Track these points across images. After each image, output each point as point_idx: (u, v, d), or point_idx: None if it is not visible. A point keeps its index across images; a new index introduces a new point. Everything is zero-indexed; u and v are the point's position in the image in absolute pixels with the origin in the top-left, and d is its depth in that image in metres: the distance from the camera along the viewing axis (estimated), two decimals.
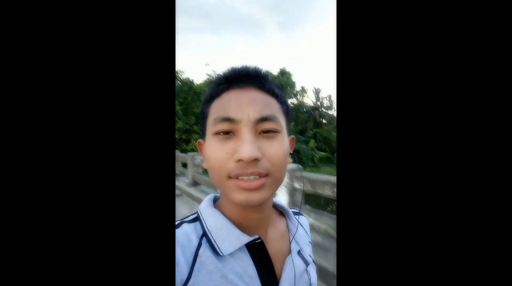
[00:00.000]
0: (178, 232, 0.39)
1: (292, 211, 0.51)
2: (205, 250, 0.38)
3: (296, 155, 0.49)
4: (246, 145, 0.34)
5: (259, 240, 0.40)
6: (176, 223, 0.41)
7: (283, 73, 21.25)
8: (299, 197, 2.69)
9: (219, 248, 0.38)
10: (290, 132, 0.42)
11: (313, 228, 2.35)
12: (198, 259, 0.37)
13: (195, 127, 14.00)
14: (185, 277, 0.35)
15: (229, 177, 0.36)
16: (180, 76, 14.49)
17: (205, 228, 0.40)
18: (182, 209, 4.34)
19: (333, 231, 2.28)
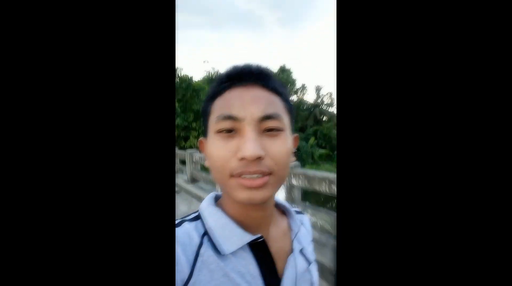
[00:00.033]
0: (179, 231, 0.38)
1: (294, 210, 0.51)
2: (206, 249, 0.37)
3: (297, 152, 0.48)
4: (249, 144, 0.34)
5: (261, 239, 0.40)
6: (177, 222, 0.40)
7: (283, 70, 21.20)
8: (296, 194, 2.68)
9: (220, 247, 0.37)
10: (293, 130, 0.42)
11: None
12: (199, 258, 0.36)
13: (194, 124, 14.00)
14: (186, 276, 0.35)
15: (232, 176, 0.35)
16: (179, 73, 14.44)
17: (207, 226, 0.40)
18: (180, 206, 4.34)
19: (329, 227, 2.28)
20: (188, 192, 4.85)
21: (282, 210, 0.50)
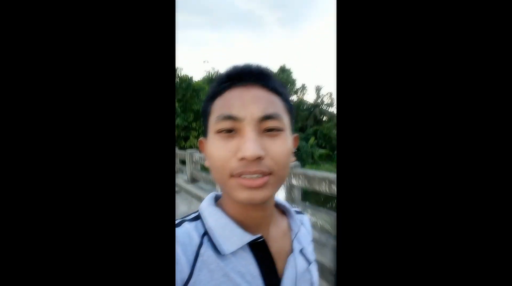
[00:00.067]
0: (179, 231, 0.38)
1: (294, 210, 0.51)
2: (206, 249, 0.37)
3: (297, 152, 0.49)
4: (250, 144, 0.34)
5: (262, 239, 0.40)
6: (177, 222, 0.40)
7: (283, 70, 21.19)
8: (296, 194, 2.68)
9: (221, 247, 0.37)
10: (293, 130, 0.42)
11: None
12: (199, 258, 0.36)
13: (194, 124, 13.98)
14: (186, 276, 0.35)
15: (232, 176, 0.35)
16: (179, 73, 14.42)
17: (207, 226, 0.40)
18: (180, 206, 4.34)
19: (329, 227, 2.28)
20: (188, 192, 4.85)
21: (282, 210, 0.50)
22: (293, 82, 21.83)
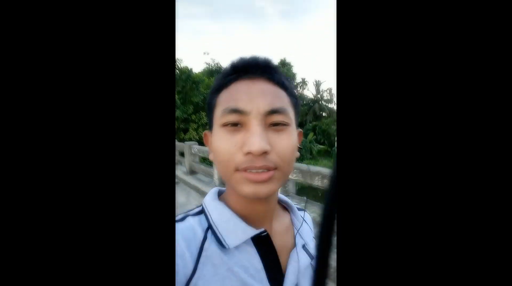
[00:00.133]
0: (183, 225, 0.38)
1: (297, 208, 0.51)
2: (210, 244, 0.37)
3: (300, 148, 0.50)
4: (256, 138, 0.33)
5: (265, 233, 0.40)
6: (181, 216, 0.40)
7: (284, 64, 21.04)
8: (291, 187, 2.72)
9: (225, 241, 0.37)
10: (297, 126, 0.41)
11: None
12: (203, 253, 0.36)
13: (193, 117, 13.92)
14: (190, 271, 0.35)
15: (237, 170, 0.35)
16: (179, 65, 14.27)
17: (211, 221, 0.39)
18: (179, 197, 4.38)
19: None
20: (186, 184, 4.88)
21: (284, 206, 0.50)
22: (293, 76, 21.73)
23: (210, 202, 0.42)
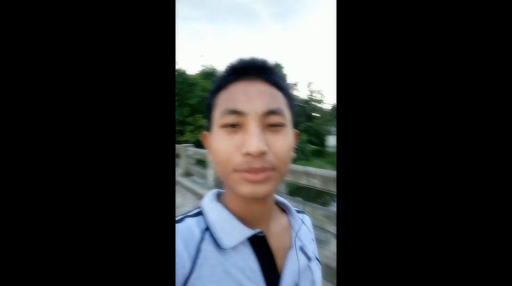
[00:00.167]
0: (181, 226, 0.39)
1: (295, 210, 0.51)
2: (207, 244, 0.38)
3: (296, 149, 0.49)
4: (254, 139, 0.34)
5: (261, 234, 0.40)
6: (180, 217, 0.41)
7: (277, 66, 21.07)
8: (282, 188, 2.86)
9: (221, 242, 0.38)
10: (294, 126, 0.42)
11: None
12: (200, 254, 0.37)
13: (189, 119, 13.86)
14: (187, 272, 0.35)
15: (235, 170, 0.36)
16: None
17: (208, 222, 0.40)
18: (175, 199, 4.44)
19: (315, 221, 2.44)
20: (182, 186, 4.88)
21: (282, 208, 0.50)
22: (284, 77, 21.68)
23: (208, 203, 0.43)
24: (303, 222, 0.50)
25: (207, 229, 0.40)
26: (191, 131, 13.63)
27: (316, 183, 2.28)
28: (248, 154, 0.34)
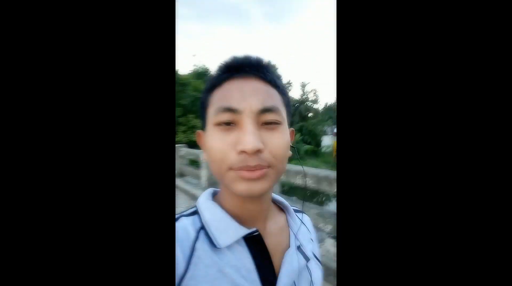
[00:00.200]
0: (177, 225, 0.38)
1: (294, 209, 0.51)
2: (202, 244, 0.37)
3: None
4: (249, 137, 0.34)
5: (257, 233, 0.40)
6: (175, 216, 0.40)
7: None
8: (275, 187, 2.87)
9: (216, 241, 0.37)
10: (289, 124, 0.42)
11: None
12: (195, 253, 0.36)
13: (181, 119, 13.80)
14: (182, 271, 0.35)
15: (231, 169, 0.35)
16: None
17: (203, 221, 0.40)
18: None
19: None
20: (175, 186, 4.93)
21: (280, 207, 0.50)
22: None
23: (203, 202, 0.43)
24: (302, 222, 0.49)
25: (202, 228, 0.39)
26: (184, 132, 13.59)
27: (310, 182, 2.29)
28: (243, 152, 0.34)
